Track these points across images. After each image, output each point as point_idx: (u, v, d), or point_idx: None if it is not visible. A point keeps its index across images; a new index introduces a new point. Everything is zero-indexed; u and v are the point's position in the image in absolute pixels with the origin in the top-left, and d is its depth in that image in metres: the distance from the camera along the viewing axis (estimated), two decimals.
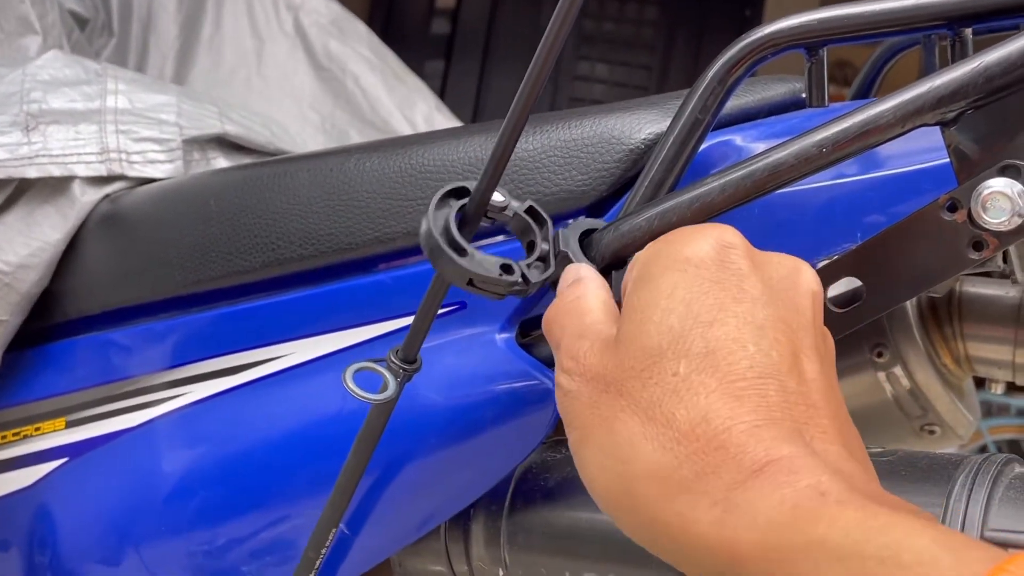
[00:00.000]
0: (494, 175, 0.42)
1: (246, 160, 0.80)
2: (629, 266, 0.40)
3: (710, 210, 0.42)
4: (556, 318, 0.40)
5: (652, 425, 0.34)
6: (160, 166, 0.73)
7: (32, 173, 0.69)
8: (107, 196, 0.71)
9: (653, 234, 0.42)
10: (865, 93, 0.65)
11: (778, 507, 0.30)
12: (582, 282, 0.41)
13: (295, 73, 1.12)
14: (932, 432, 0.65)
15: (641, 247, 0.43)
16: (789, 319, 0.36)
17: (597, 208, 0.51)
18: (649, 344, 0.35)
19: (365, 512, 0.55)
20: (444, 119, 1.19)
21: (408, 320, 0.56)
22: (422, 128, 1.15)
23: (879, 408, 0.64)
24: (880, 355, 0.62)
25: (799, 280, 0.37)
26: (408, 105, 1.16)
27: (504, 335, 0.52)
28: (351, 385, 0.44)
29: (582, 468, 0.37)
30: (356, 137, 1.11)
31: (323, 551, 0.54)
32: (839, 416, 0.35)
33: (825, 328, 0.38)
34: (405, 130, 1.13)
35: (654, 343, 0.35)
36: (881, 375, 0.62)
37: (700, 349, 0.34)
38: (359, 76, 1.13)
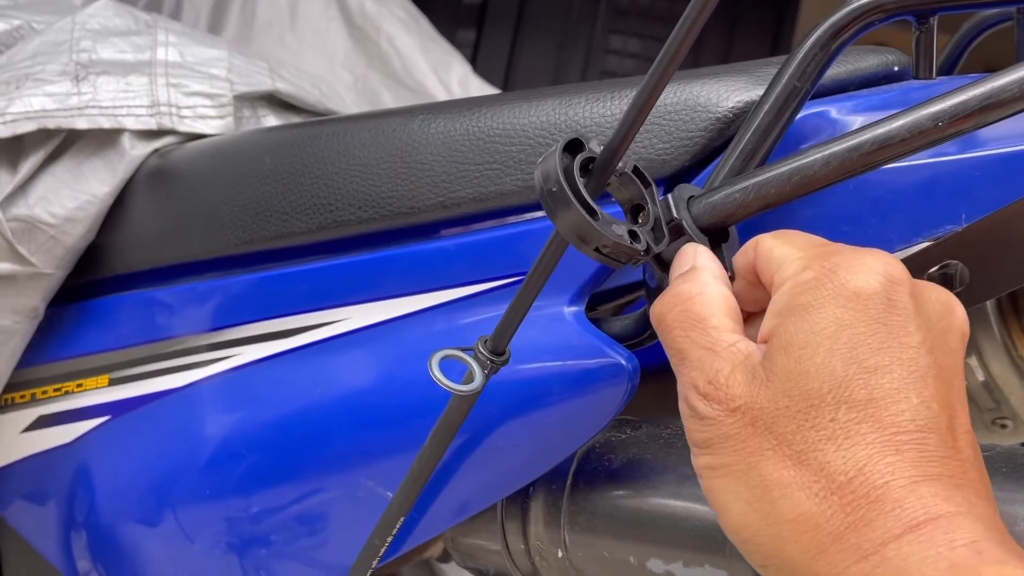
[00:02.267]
0: (631, 130, 0.38)
1: (296, 119, 0.78)
2: (777, 283, 0.36)
3: (811, 184, 0.39)
4: (675, 318, 0.37)
5: (805, 471, 0.32)
6: (211, 122, 0.71)
7: (82, 124, 0.67)
8: (156, 151, 0.69)
9: (748, 208, 0.40)
10: (948, 71, 0.62)
11: (934, 564, 0.30)
12: (699, 273, 0.38)
13: (328, 31, 1.10)
14: (1004, 426, 0.62)
15: (734, 221, 0.41)
16: (945, 366, 0.34)
17: (678, 179, 0.49)
18: (808, 386, 0.33)
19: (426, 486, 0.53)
20: (479, 84, 1.17)
21: (471, 289, 0.54)
22: (457, 92, 1.13)
23: None
24: None
25: (953, 321, 0.36)
26: (444, 67, 1.13)
27: (573, 308, 0.50)
28: (437, 374, 0.42)
29: (713, 495, 0.35)
30: (388, 98, 1.09)
31: (388, 539, 0.52)
32: (981, 464, 0.34)
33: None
34: (440, 93, 1.11)
35: (814, 386, 0.33)
36: None
37: (862, 397, 0.32)
38: (394, 37, 1.11)
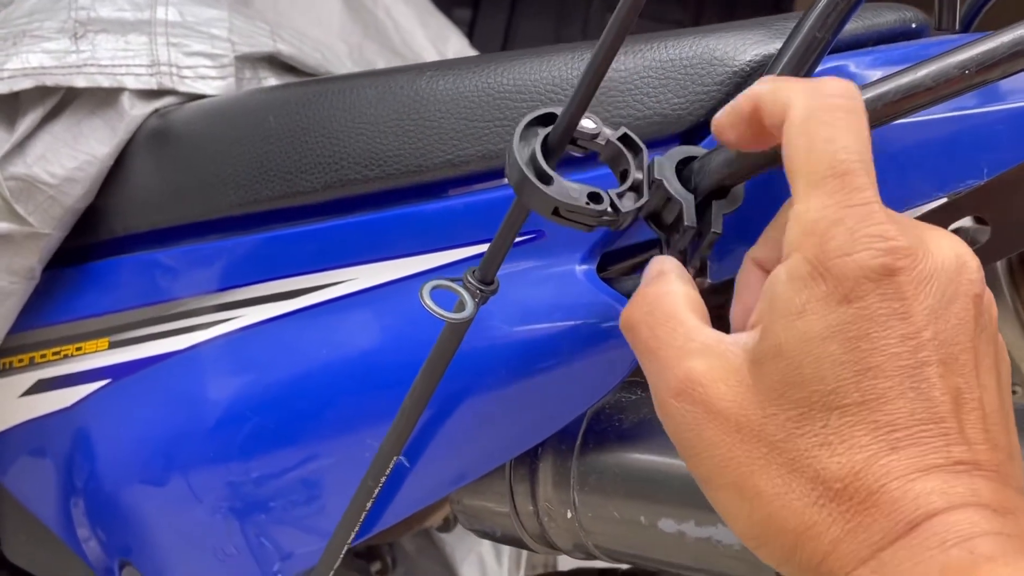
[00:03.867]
0: (583, 99, 0.39)
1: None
2: (768, 283, 0.34)
3: None
4: (641, 318, 0.37)
5: (799, 479, 0.32)
6: (212, 82, 0.70)
7: (80, 82, 0.66)
8: (156, 111, 0.68)
9: (769, 159, 0.39)
10: (966, 28, 0.61)
11: (925, 568, 0.29)
12: (664, 275, 0.38)
13: (323, 1, 1.08)
14: (1013, 393, 0.62)
15: (751, 175, 0.41)
16: (954, 341, 0.32)
17: (692, 134, 0.48)
18: (797, 396, 0.32)
19: (426, 444, 0.53)
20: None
21: (479, 248, 0.53)
22: None
23: None
24: None
25: (960, 287, 0.33)
26: (441, 40, 1.12)
27: (584, 267, 0.49)
28: (428, 302, 0.42)
29: (715, 504, 0.34)
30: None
31: (382, 480, 0.51)
32: (1002, 441, 0.33)
33: (997, 333, 0.35)
34: None
35: (803, 396, 0.32)
36: None
37: (854, 400, 0.31)
38: (391, 8, 1.09)
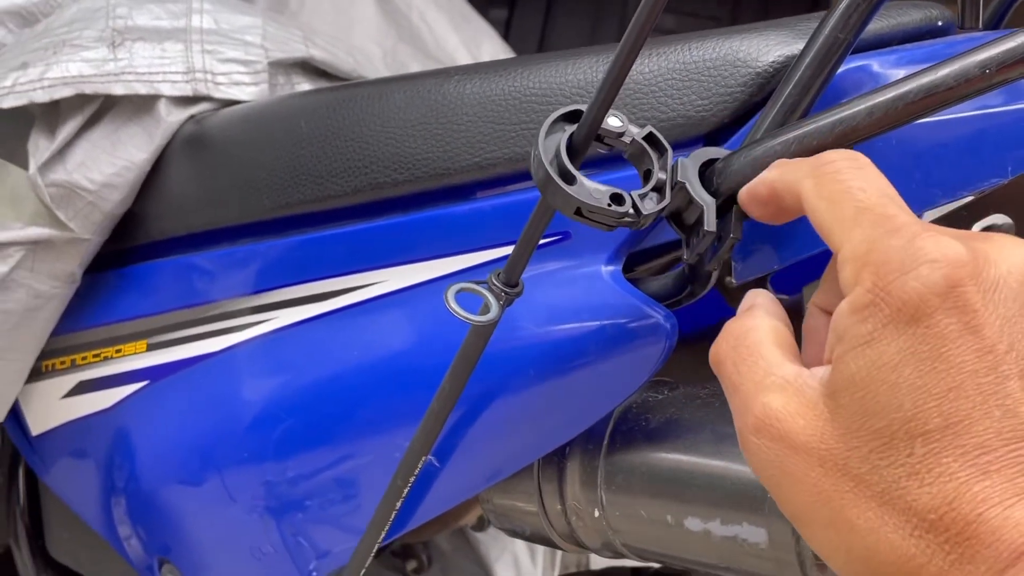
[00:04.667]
0: (607, 97, 0.39)
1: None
2: (834, 319, 0.33)
3: (854, 135, 0.39)
4: (727, 353, 0.36)
5: (892, 513, 0.30)
6: (245, 88, 0.71)
7: (118, 90, 0.67)
8: (192, 117, 0.69)
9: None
10: (995, 26, 0.61)
11: None
12: (754, 311, 0.37)
13: (356, 5, 1.09)
14: None
15: None
16: None
17: (716, 136, 0.48)
18: (877, 426, 0.31)
19: (455, 444, 0.54)
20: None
21: (506, 250, 0.54)
22: None
23: None
24: None
25: None
26: (475, 44, 1.13)
27: (610, 267, 0.49)
28: (453, 305, 0.42)
29: (812, 543, 0.33)
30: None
31: (411, 479, 0.52)
32: None
33: None
34: None
35: (882, 425, 0.30)
36: None
37: (937, 425, 0.30)
38: (424, 11, 1.10)
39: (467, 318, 0.43)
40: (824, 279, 0.38)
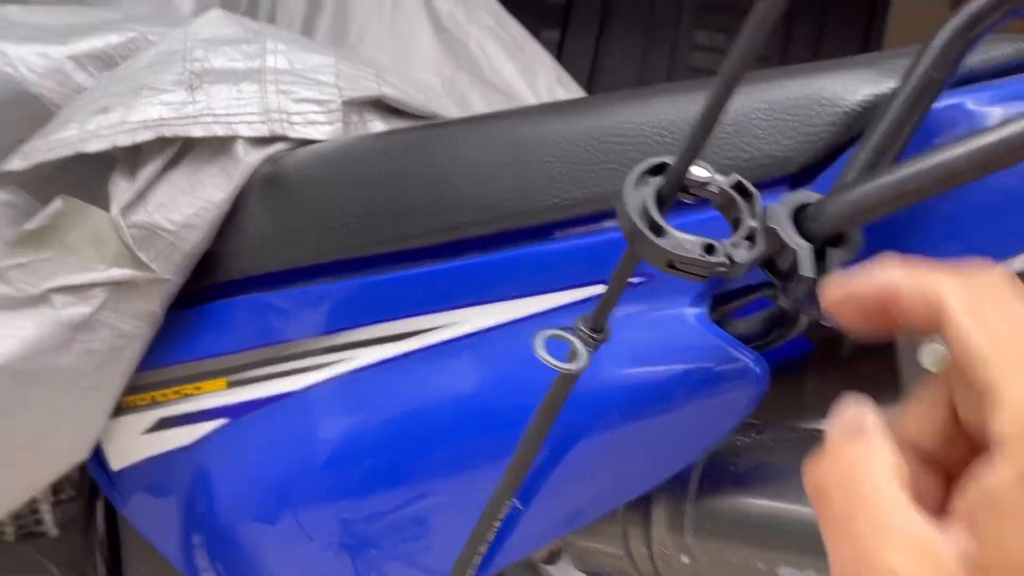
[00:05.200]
0: (691, 148, 0.39)
1: (401, 124, 0.79)
2: (988, 484, 0.28)
3: (955, 177, 0.38)
4: (836, 485, 0.30)
5: None
6: (320, 127, 0.72)
7: (197, 132, 0.68)
8: (269, 157, 0.70)
9: (886, 205, 0.39)
10: None
11: None
12: (867, 437, 0.31)
13: (416, 37, 1.10)
14: None
15: (870, 219, 0.40)
16: None
17: (802, 176, 0.48)
18: None
19: (539, 488, 0.53)
20: (565, 91, 1.16)
21: (587, 291, 0.53)
22: (544, 95, 1.12)
23: None
24: None
25: None
26: (530, 72, 1.13)
27: (695, 310, 0.49)
28: (542, 352, 0.42)
29: None
30: (477, 99, 1.09)
31: (495, 524, 0.52)
32: None
33: None
34: (528, 96, 1.11)
35: None
36: None
37: None
38: (482, 41, 1.11)
39: (556, 366, 0.43)
40: (913, 408, 0.33)
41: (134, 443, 0.75)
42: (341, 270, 0.63)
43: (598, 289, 0.53)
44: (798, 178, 0.48)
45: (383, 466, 0.61)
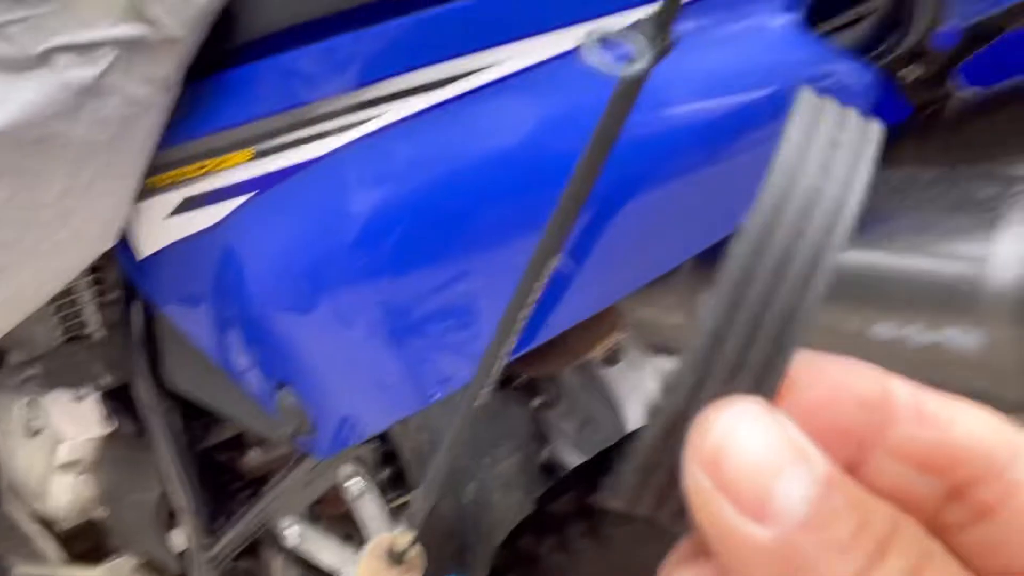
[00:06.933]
0: None
1: None
2: None
3: None
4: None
5: None
6: None
7: None
8: None
9: None
10: None
11: None
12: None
13: None
14: None
15: None
16: None
17: None
18: None
19: (592, 243, 0.46)
20: None
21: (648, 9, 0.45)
22: None
23: None
24: None
25: None
26: None
27: (788, 16, 0.40)
28: (594, 57, 0.34)
29: None
30: None
31: (539, 283, 0.45)
32: None
33: None
34: None
35: None
36: None
37: None
38: None
39: (611, 68, 0.34)
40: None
41: (159, 228, 0.69)
42: (367, 16, 0.55)
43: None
44: None
45: (420, 236, 0.55)
